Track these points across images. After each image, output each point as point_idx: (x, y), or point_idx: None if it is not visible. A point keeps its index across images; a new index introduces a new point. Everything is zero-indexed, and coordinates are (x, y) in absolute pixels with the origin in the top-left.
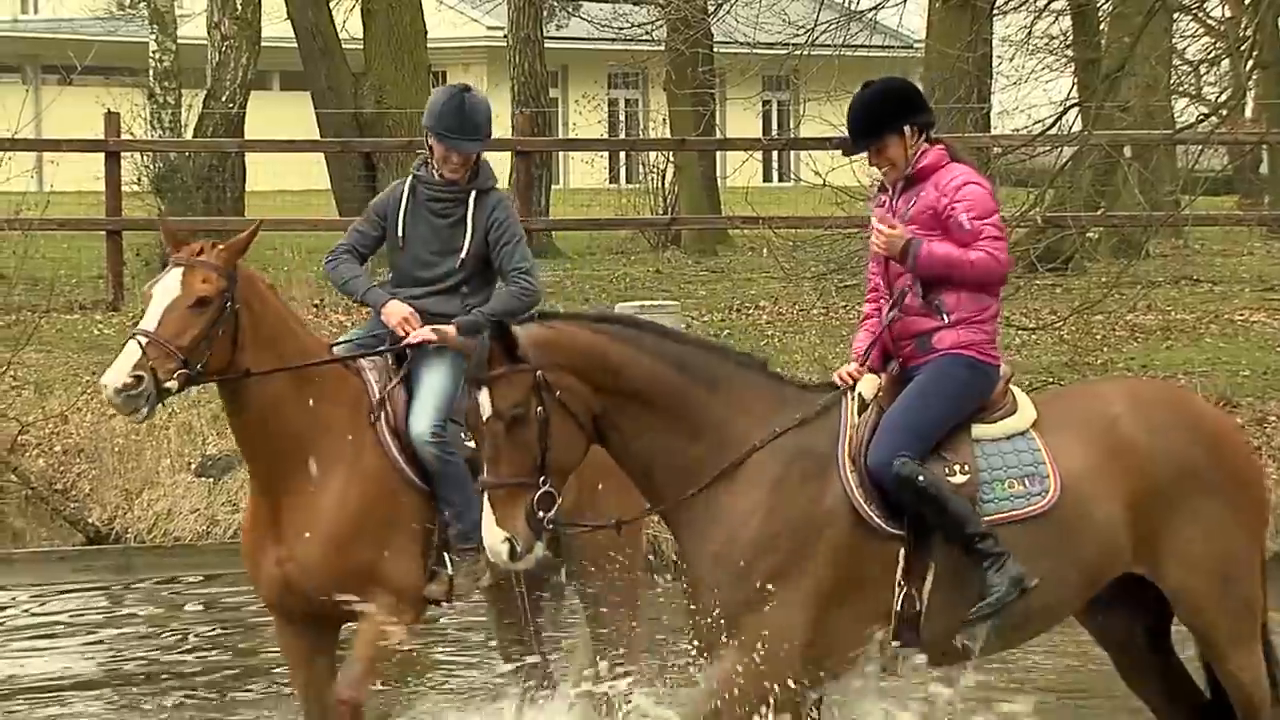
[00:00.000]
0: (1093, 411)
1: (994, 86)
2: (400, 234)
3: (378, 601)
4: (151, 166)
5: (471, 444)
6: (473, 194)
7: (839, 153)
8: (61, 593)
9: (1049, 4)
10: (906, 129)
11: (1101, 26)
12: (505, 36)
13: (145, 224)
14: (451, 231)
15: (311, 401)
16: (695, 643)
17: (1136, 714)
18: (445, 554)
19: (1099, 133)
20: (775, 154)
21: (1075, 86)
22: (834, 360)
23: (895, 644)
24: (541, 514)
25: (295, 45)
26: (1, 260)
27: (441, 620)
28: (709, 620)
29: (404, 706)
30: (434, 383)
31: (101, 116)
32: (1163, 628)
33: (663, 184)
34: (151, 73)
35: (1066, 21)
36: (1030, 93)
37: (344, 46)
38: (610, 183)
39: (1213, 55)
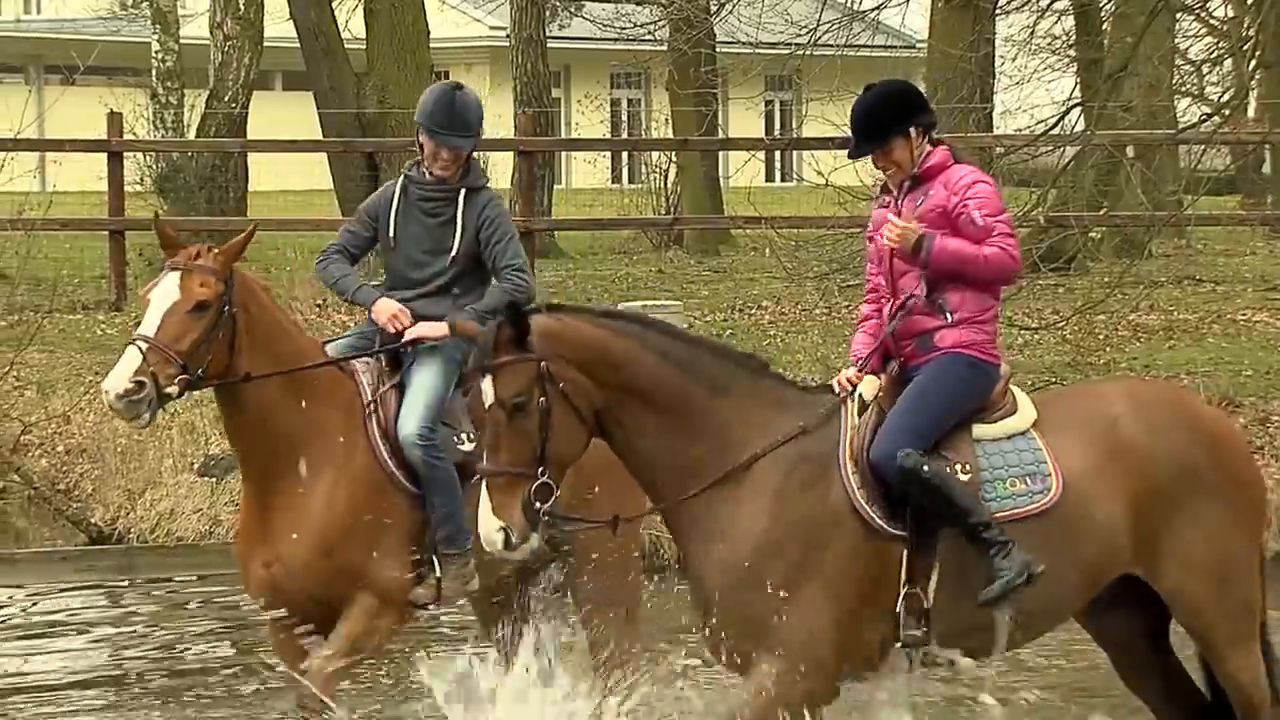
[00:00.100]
0: (1093, 412)
1: (996, 86)
2: (392, 235)
3: (362, 604)
4: (154, 166)
5: (462, 447)
6: (462, 192)
7: (842, 153)
8: (63, 592)
9: (1051, 4)
10: (912, 130)
11: (1104, 26)
12: (508, 36)
13: (148, 224)
14: (442, 231)
15: (305, 403)
16: (707, 640)
17: (1136, 714)
18: (434, 557)
19: (1101, 133)
20: (778, 154)
21: (1078, 86)
22: (836, 360)
23: (897, 645)
24: (538, 505)
25: (298, 45)
26: (4, 260)
27: (442, 619)
28: (715, 623)
29: (394, 706)
30: (424, 384)
31: (104, 116)
32: (1162, 628)
33: (665, 184)
34: (154, 73)
35: (1069, 21)
36: (1033, 93)
37: (346, 46)
38: (613, 183)
39: (1215, 55)
